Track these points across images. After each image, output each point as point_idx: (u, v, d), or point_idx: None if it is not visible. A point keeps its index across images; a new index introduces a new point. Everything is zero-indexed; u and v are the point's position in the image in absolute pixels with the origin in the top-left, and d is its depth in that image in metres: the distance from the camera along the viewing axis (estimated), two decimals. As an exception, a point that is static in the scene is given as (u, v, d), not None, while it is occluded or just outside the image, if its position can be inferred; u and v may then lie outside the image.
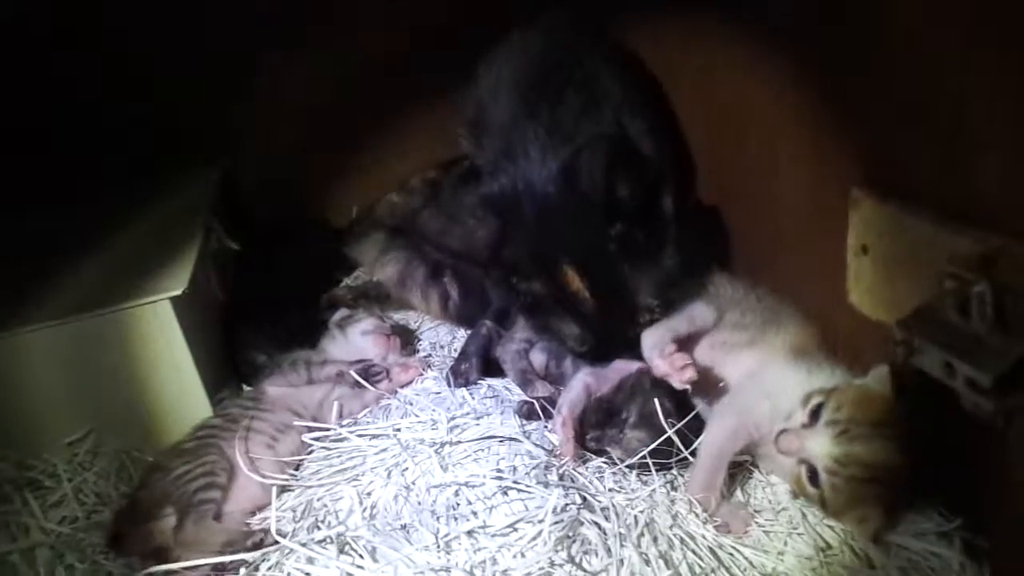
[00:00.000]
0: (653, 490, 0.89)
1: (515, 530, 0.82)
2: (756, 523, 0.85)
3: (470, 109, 1.15)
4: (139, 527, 0.87)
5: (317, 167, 1.54)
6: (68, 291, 1.07)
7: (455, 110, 1.21)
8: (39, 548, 0.90)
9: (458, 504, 0.87)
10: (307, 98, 1.47)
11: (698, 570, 0.79)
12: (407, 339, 1.28)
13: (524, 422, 1.01)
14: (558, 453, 0.93)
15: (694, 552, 0.81)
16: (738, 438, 0.88)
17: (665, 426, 0.89)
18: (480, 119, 1.13)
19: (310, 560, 0.80)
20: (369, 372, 1.11)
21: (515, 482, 0.88)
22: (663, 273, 0.94)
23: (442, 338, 1.31)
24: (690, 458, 0.90)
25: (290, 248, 1.41)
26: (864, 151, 0.84)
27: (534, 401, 1.02)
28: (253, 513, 0.92)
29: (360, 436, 1.01)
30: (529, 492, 0.86)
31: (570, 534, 0.81)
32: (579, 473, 0.91)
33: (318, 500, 0.91)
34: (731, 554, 0.81)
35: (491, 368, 1.15)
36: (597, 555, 0.79)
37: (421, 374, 1.16)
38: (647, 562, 0.78)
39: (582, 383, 0.99)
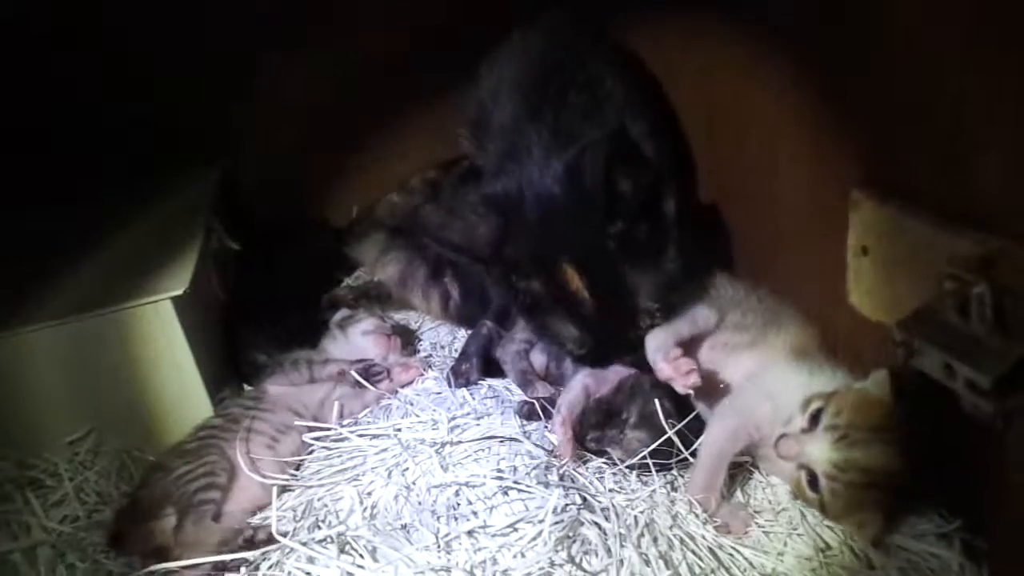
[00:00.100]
0: (653, 491, 0.89)
1: (515, 530, 0.82)
2: (756, 524, 0.85)
3: (471, 110, 1.15)
4: (140, 526, 0.88)
5: (317, 167, 1.54)
6: (69, 291, 1.07)
7: (455, 110, 1.21)
8: (40, 547, 0.91)
9: (458, 504, 0.87)
10: (307, 98, 1.47)
11: (698, 570, 0.79)
12: (408, 339, 1.28)
13: (524, 422, 1.01)
14: (557, 453, 0.93)
15: (694, 552, 0.81)
16: (738, 439, 0.88)
17: (665, 426, 0.89)
18: (482, 120, 1.12)
19: (311, 560, 0.80)
20: (370, 372, 1.11)
21: (515, 482, 0.88)
22: (664, 276, 0.93)
23: (443, 338, 1.31)
24: (690, 459, 0.90)
25: (290, 248, 1.41)
26: (864, 151, 0.83)
27: (534, 401, 1.02)
28: (254, 513, 0.92)
29: (361, 436, 1.01)
30: (529, 492, 0.86)
31: (570, 534, 0.81)
32: (579, 473, 0.91)
33: (318, 500, 0.92)
34: (731, 554, 0.81)
35: (491, 368, 1.15)
36: (597, 555, 0.79)
37: (422, 374, 1.16)
38: (647, 562, 0.78)
39: (581, 384, 0.99)
